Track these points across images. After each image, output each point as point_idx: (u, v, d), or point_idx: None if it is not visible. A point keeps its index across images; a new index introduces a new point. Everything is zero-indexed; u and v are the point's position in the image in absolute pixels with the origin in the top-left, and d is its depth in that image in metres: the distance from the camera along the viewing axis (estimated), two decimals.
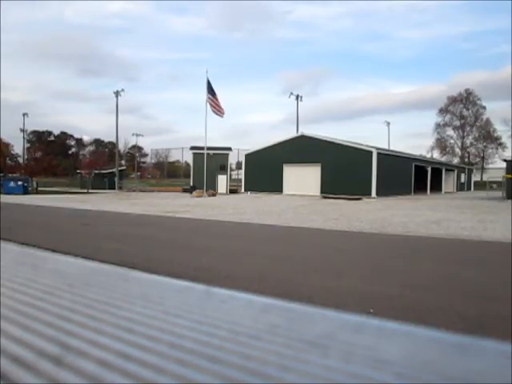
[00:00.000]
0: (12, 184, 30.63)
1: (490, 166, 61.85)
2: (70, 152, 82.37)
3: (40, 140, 76.45)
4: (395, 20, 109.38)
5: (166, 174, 57.84)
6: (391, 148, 42.51)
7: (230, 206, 17.58)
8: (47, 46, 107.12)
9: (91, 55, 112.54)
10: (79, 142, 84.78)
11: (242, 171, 32.52)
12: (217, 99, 26.83)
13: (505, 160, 26.38)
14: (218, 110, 26.94)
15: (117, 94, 42.62)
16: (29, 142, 70.31)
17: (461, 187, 43.17)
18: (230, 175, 36.48)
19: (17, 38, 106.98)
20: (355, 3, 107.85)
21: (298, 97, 44.28)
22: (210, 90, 26.71)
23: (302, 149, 28.30)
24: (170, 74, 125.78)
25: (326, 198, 24.83)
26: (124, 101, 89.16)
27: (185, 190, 33.12)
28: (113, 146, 62.25)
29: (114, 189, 39.07)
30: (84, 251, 6.70)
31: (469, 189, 46.24)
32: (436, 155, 63.19)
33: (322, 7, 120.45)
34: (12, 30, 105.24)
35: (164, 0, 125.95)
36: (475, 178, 52.13)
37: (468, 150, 65.59)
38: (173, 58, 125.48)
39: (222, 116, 27.31)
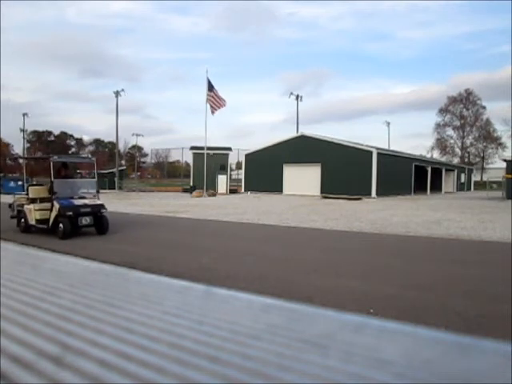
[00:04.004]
0: (12, 184, 30.61)
1: (490, 165, 61.80)
2: (70, 152, 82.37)
3: (40, 140, 76.44)
4: (397, 20, 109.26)
5: (166, 173, 57.83)
6: (391, 148, 42.51)
7: (229, 206, 17.58)
8: (49, 46, 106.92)
9: (93, 55, 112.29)
10: (79, 141, 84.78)
11: (242, 171, 32.50)
12: (215, 93, 26.58)
13: (505, 160, 26.39)
14: (218, 103, 26.69)
15: (117, 94, 42.57)
16: (29, 142, 70.31)
17: (461, 187, 43.15)
18: (230, 175, 36.43)
19: (19, 39, 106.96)
20: (357, 3, 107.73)
21: (297, 97, 44.24)
22: (210, 87, 26.52)
23: (302, 149, 28.28)
24: (171, 74, 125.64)
25: (326, 197, 24.83)
26: (125, 101, 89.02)
27: (185, 190, 33.10)
28: (113, 145, 62.21)
29: (114, 189, 39.01)
30: (86, 252, 6.71)
31: (469, 189, 46.23)
32: (436, 155, 63.11)
33: (323, 7, 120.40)
34: (14, 31, 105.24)
35: (166, 0, 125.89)
36: (475, 178, 52.08)
37: (468, 149, 65.55)
38: (174, 58, 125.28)
39: (223, 106, 26.91)
